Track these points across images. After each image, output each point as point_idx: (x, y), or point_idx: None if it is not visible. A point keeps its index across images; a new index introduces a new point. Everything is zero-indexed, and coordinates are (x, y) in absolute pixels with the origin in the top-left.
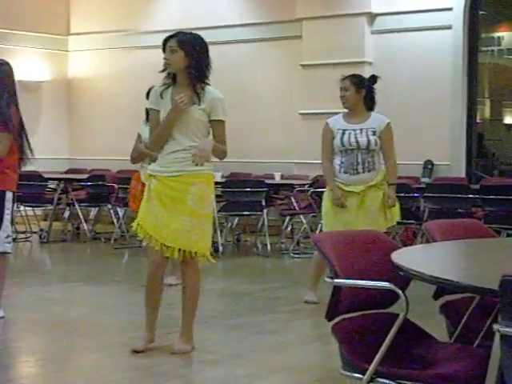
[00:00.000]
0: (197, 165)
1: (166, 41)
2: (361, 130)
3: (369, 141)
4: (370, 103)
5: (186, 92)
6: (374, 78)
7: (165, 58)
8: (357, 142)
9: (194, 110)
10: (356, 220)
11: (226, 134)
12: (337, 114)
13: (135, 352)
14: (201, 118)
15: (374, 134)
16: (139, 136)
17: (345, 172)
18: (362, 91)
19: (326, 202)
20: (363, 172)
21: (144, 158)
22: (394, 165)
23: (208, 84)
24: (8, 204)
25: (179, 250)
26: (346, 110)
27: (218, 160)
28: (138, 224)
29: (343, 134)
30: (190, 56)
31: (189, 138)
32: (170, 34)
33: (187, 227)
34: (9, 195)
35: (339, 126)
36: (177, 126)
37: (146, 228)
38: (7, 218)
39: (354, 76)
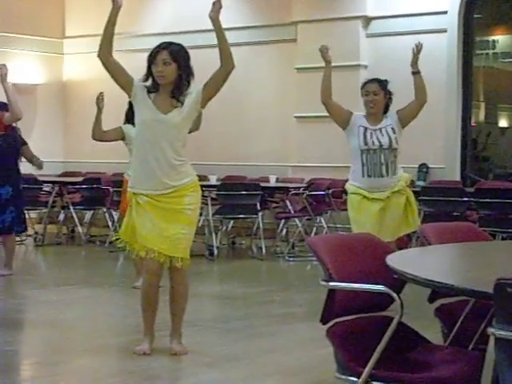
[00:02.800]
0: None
1: (156, 53)
2: (380, 129)
3: (390, 139)
4: (387, 106)
5: (168, 100)
6: (386, 82)
7: (158, 71)
8: (379, 141)
9: (174, 115)
10: (378, 227)
11: None
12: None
13: (145, 354)
14: (183, 121)
15: (393, 131)
16: (121, 130)
17: (368, 175)
18: (387, 95)
19: (350, 211)
20: (387, 175)
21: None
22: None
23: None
24: None
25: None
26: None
27: (212, 163)
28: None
29: (366, 131)
30: (181, 67)
31: (173, 150)
32: (159, 45)
33: (184, 236)
34: None
35: (361, 124)
36: (156, 134)
37: (145, 242)
38: None
39: (380, 80)
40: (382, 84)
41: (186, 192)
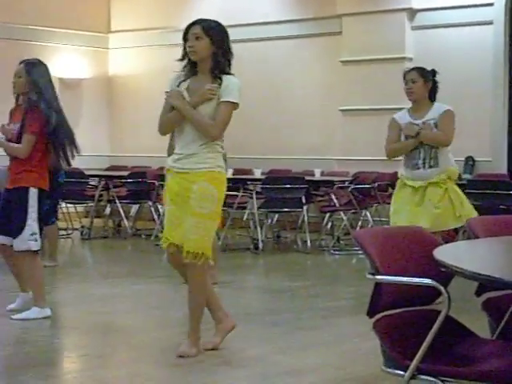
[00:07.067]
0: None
1: (188, 28)
2: (424, 123)
3: None
4: (433, 95)
5: (206, 81)
6: (434, 72)
7: (189, 46)
8: None
9: (212, 103)
10: (417, 217)
11: (226, 117)
12: (376, 110)
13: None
14: (214, 111)
15: (436, 126)
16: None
17: (406, 166)
18: (429, 83)
19: (394, 200)
20: (424, 168)
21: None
22: (441, 134)
23: (229, 73)
24: (32, 201)
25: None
26: (405, 106)
27: (256, 157)
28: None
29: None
30: (215, 43)
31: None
32: (193, 21)
33: (191, 227)
34: (32, 192)
35: (404, 121)
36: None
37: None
38: (32, 215)
39: (420, 68)
40: (422, 72)
41: (195, 178)
